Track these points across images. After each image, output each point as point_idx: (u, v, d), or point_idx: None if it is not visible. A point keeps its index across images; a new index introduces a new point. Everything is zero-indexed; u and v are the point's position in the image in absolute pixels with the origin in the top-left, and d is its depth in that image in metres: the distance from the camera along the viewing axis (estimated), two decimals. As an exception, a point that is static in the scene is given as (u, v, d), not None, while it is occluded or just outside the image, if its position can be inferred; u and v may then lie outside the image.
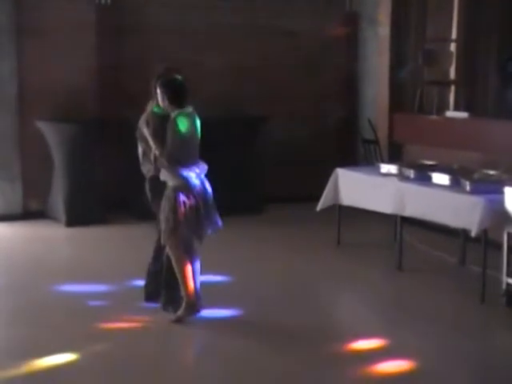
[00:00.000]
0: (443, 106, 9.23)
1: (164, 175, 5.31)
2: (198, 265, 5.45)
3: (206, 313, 5.44)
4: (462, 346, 5.12)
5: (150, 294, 5.70)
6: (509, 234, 5.70)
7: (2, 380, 4.52)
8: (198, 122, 5.39)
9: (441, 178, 6.38)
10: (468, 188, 6.02)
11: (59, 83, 8.70)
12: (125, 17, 9.01)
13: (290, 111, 9.75)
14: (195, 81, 9.22)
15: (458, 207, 6.03)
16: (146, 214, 8.61)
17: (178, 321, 5.30)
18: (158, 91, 5.36)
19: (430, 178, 6.48)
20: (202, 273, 5.53)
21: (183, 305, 5.33)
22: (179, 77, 5.40)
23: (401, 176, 6.82)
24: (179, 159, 5.23)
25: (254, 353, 4.93)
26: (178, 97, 5.27)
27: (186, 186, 5.25)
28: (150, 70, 8.97)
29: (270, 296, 6.04)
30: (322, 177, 7.60)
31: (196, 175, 5.30)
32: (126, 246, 7.69)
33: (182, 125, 5.22)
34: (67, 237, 8.21)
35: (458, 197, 6.05)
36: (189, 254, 5.37)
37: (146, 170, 5.55)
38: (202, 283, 5.52)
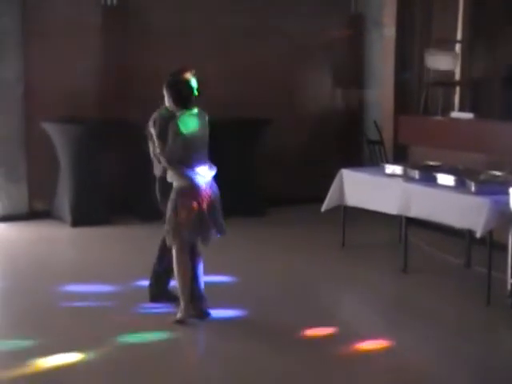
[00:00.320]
0: (448, 107, 9.22)
1: (170, 175, 5.32)
2: (201, 267, 5.45)
3: (209, 311, 5.45)
4: (468, 347, 5.11)
5: (155, 294, 5.72)
6: (514, 235, 5.69)
7: (7, 381, 4.53)
8: (206, 123, 5.38)
9: (446, 179, 6.38)
10: (473, 189, 6.02)
11: (65, 85, 8.72)
12: (130, 19, 9.02)
13: (295, 113, 9.75)
14: (198, 82, 9.30)
15: (463, 208, 6.02)
16: (150, 215, 8.66)
17: (180, 322, 5.31)
18: (164, 92, 5.38)
19: (435, 179, 6.48)
20: (205, 274, 5.53)
21: (181, 307, 5.34)
22: (188, 78, 5.35)
23: (406, 177, 6.81)
24: (183, 160, 5.22)
25: (255, 353, 4.93)
26: (182, 98, 5.28)
27: (190, 187, 5.24)
28: (155, 71, 9.09)
29: (273, 297, 6.04)
30: (326, 178, 7.60)
31: (202, 177, 5.28)
32: (130, 246, 7.70)
33: (184, 125, 5.22)
34: (72, 237, 8.22)
35: (463, 198, 6.05)
36: (192, 256, 5.37)
37: (157, 170, 5.56)
38: (206, 284, 5.53)
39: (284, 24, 9.68)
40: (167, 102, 5.39)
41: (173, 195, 5.28)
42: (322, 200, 7.53)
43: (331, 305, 5.99)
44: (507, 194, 5.68)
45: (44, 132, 8.54)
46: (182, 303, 5.33)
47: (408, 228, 6.84)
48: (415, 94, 9.46)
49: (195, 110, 5.32)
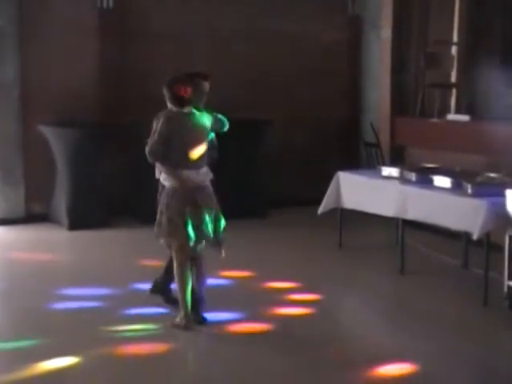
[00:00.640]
0: (445, 109, 9.24)
1: (163, 177, 5.32)
2: (202, 269, 5.44)
3: (210, 316, 5.45)
4: (465, 348, 5.12)
5: (156, 287, 5.76)
6: (511, 237, 5.70)
7: (7, 383, 4.53)
8: (206, 126, 5.35)
9: (443, 181, 6.38)
10: (470, 191, 6.02)
11: (62, 87, 8.72)
12: (128, 21, 9.03)
13: (292, 115, 9.76)
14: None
15: (459, 210, 6.03)
16: (148, 218, 8.67)
17: (177, 327, 5.31)
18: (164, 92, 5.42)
19: (431, 181, 6.49)
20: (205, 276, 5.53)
21: (182, 314, 5.34)
22: (187, 78, 5.38)
23: (402, 179, 6.82)
24: (178, 160, 5.19)
25: (256, 355, 4.93)
26: (176, 98, 5.27)
27: (177, 189, 5.21)
28: (153, 74, 9.10)
29: (272, 300, 6.04)
30: (323, 180, 7.61)
31: (194, 179, 5.23)
32: (128, 249, 7.69)
33: (171, 123, 5.21)
34: (70, 240, 8.22)
35: (459, 200, 6.05)
36: (193, 262, 5.36)
37: (158, 172, 5.58)
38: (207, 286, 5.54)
39: (283, 26, 9.69)
40: (167, 101, 5.40)
41: (162, 197, 5.29)
42: (319, 202, 7.53)
43: (330, 306, 5.99)
44: (504, 195, 5.69)
45: (41, 135, 8.54)
46: (182, 310, 5.32)
47: (405, 230, 6.85)
48: (412, 96, 9.48)
49: (188, 109, 5.29)
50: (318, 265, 7.15)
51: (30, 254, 7.52)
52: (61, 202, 8.54)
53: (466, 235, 6.70)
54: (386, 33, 9.60)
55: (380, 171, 7.17)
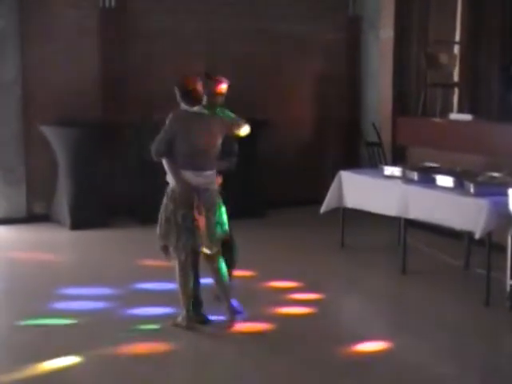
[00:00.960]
0: (447, 109, 9.23)
1: (169, 177, 5.28)
2: (215, 272, 5.39)
3: (209, 316, 5.44)
4: (466, 349, 5.11)
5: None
6: (513, 237, 5.70)
7: (9, 383, 4.52)
8: (212, 126, 5.20)
9: (445, 181, 6.38)
10: (472, 190, 6.02)
11: (63, 88, 8.72)
12: (128, 21, 9.02)
13: (292, 115, 9.76)
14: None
15: (462, 210, 6.02)
16: (149, 218, 8.66)
17: (177, 326, 5.30)
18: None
19: (433, 181, 6.48)
20: (202, 276, 5.52)
21: (183, 314, 5.32)
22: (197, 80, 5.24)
23: (404, 178, 6.82)
24: (176, 159, 5.13)
25: (257, 355, 4.93)
26: (185, 93, 5.16)
27: (176, 189, 5.16)
28: (153, 74, 9.10)
29: (274, 300, 6.03)
30: (325, 180, 7.62)
31: (194, 181, 5.13)
32: (129, 249, 7.69)
33: (176, 122, 5.15)
34: (71, 240, 8.22)
35: (462, 199, 6.05)
36: (195, 263, 5.33)
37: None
38: (204, 286, 5.53)
39: (282, 26, 9.69)
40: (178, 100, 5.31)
41: (164, 197, 5.26)
42: (321, 201, 7.54)
43: (332, 306, 5.98)
44: (506, 195, 5.68)
45: (42, 135, 8.54)
46: (183, 310, 5.32)
47: (407, 229, 6.84)
48: (414, 95, 9.47)
49: (193, 109, 5.17)
50: (320, 264, 7.14)
51: (32, 253, 7.51)
52: (62, 202, 8.54)
53: (468, 235, 6.69)
54: (386, 33, 9.59)
55: (382, 171, 7.16)
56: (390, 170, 7.06)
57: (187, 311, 5.30)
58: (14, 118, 8.63)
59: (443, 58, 9.35)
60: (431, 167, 7.05)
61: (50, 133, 8.52)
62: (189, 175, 5.13)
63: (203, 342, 5.14)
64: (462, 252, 6.97)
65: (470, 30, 9.50)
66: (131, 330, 5.34)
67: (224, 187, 5.44)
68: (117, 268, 6.93)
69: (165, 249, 5.34)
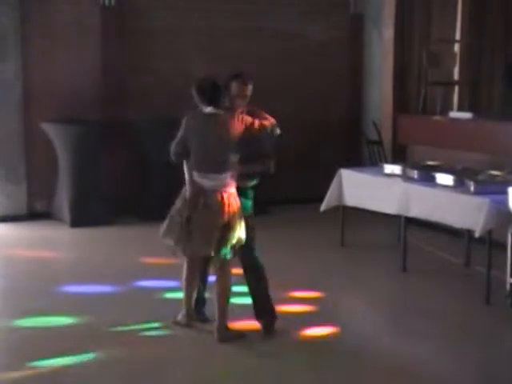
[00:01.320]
0: (447, 107, 9.24)
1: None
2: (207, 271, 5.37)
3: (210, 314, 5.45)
4: (467, 347, 5.12)
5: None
6: (513, 235, 5.70)
7: (8, 382, 4.53)
8: (225, 128, 4.97)
9: (445, 179, 6.38)
10: (472, 189, 6.02)
11: (64, 85, 8.73)
12: (129, 19, 9.02)
13: (293, 113, 9.75)
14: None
15: (462, 208, 6.02)
16: (150, 216, 8.68)
17: (177, 324, 5.31)
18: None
19: (434, 179, 6.48)
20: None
21: (183, 310, 5.32)
22: (208, 78, 5.13)
23: (405, 177, 6.82)
24: (195, 163, 5.04)
25: (255, 354, 4.94)
26: (198, 93, 5.05)
27: (184, 190, 5.10)
28: (154, 71, 9.10)
29: (274, 298, 6.02)
30: (325, 178, 7.60)
31: (203, 183, 5.01)
32: (130, 247, 7.70)
33: (188, 123, 5.09)
34: (72, 238, 8.23)
35: (462, 197, 6.05)
36: (197, 263, 5.30)
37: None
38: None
39: (283, 24, 9.69)
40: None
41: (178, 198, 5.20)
42: (321, 200, 7.54)
43: (332, 304, 5.98)
44: (506, 193, 5.68)
45: (43, 132, 8.54)
46: (183, 308, 5.32)
47: (407, 228, 6.85)
48: (414, 93, 9.47)
49: (204, 110, 5.04)
50: (320, 262, 7.15)
51: (33, 251, 7.52)
52: (63, 200, 8.55)
53: (469, 233, 6.70)
54: (388, 31, 9.58)
55: (382, 169, 7.16)
56: (390, 168, 7.07)
57: (187, 310, 5.30)
58: (15, 116, 8.63)
59: (444, 57, 9.35)
60: (431, 165, 7.05)
61: (51, 130, 8.52)
62: (197, 177, 5.03)
63: (202, 340, 5.14)
64: (462, 250, 6.98)
65: (470, 28, 9.50)
66: (132, 327, 5.34)
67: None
68: (117, 266, 6.93)
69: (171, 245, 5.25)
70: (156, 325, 5.39)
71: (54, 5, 8.70)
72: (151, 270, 6.78)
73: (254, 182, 5.27)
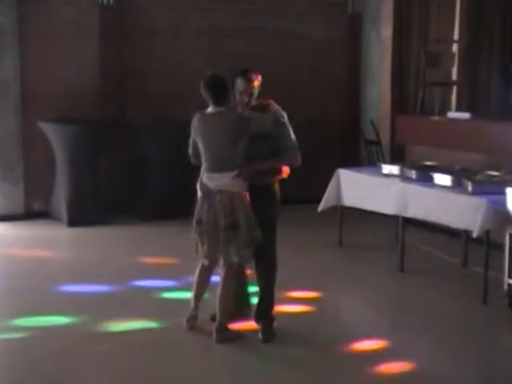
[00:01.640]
0: (445, 107, 9.24)
1: None
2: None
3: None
4: (464, 347, 5.12)
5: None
6: (511, 235, 5.69)
7: (7, 382, 4.53)
8: (230, 127, 4.94)
9: (443, 179, 6.38)
10: (470, 189, 6.02)
11: (62, 84, 8.73)
12: (127, 18, 9.02)
13: (291, 113, 9.69)
14: (196, 82, 9.28)
15: (460, 208, 6.02)
16: (147, 215, 8.69)
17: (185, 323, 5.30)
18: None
19: (432, 179, 6.48)
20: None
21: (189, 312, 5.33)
22: (214, 75, 5.09)
23: (403, 177, 6.82)
24: (202, 160, 5.05)
25: (255, 354, 4.94)
26: (204, 93, 5.02)
27: (200, 193, 5.08)
28: (153, 71, 9.10)
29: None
30: (323, 178, 7.60)
31: (208, 183, 5.01)
32: (128, 246, 7.69)
33: (193, 124, 5.09)
34: (69, 237, 8.22)
35: (460, 198, 6.05)
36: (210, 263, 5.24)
37: None
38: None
39: (282, 24, 9.70)
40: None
41: None
42: (319, 200, 7.53)
43: (330, 304, 5.98)
44: (504, 194, 5.68)
45: (41, 132, 8.53)
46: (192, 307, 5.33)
47: (405, 228, 6.84)
48: (412, 93, 9.47)
49: (210, 109, 5.01)
50: (318, 262, 7.14)
51: (30, 250, 7.51)
52: (60, 199, 8.54)
53: (466, 233, 6.70)
54: (387, 30, 9.59)
55: (380, 169, 7.16)
56: (388, 169, 7.07)
57: (191, 310, 5.27)
58: (13, 115, 8.63)
59: (442, 57, 9.36)
60: (429, 165, 7.05)
61: (48, 130, 8.52)
62: (205, 177, 5.04)
63: (201, 339, 5.13)
64: (459, 250, 6.97)
65: (469, 28, 9.51)
66: (129, 327, 5.34)
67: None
68: (115, 265, 6.92)
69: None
70: (153, 324, 5.39)
71: (53, 4, 8.70)
72: (148, 269, 6.77)
73: (279, 178, 5.22)
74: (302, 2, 9.85)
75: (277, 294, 5.82)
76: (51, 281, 6.43)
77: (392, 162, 8.15)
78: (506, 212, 5.65)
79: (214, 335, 5.05)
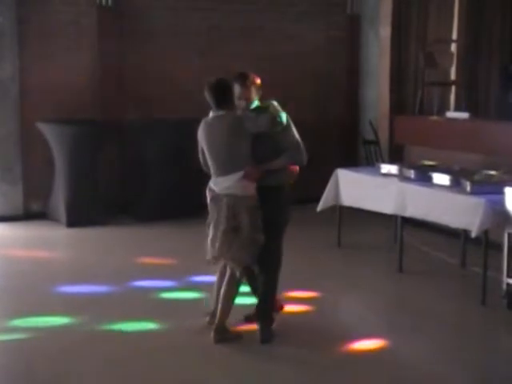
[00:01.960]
0: (444, 107, 9.24)
1: None
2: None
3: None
4: (463, 347, 5.11)
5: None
6: (509, 235, 5.69)
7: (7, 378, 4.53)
8: (232, 131, 4.96)
9: (441, 179, 6.38)
10: (469, 189, 6.02)
11: (60, 85, 8.72)
12: (126, 19, 9.02)
13: (290, 113, 9.71)
14: (195, 83, 9.27)
15: (458, 208, 6.02)
16: (146, 216, 8.69)
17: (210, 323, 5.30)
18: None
19: (430, 179, 6.49)
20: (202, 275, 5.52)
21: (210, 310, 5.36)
22: (216, 80, 5.09)
23: (401, 177, 6.82)
24: (208, 165, 5.11)
25: (253, 354, 4.93)
26: (208, 98, 5.05)
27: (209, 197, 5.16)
28: (151, 72, 9.10)
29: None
30: (322, 178, 7.60)
31: (214, 188, 5.05)
32: (126, 247, 7.69)
33: (198, 130, 5.12)
34: (68, 238, 8.21)
35: (458, 197, 6.05)
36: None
37: None
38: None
39: (281, 24, 9.69)
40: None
41: None
42: (317, 200, 7.53)
43: (329, 305, 5.98)
44: (503, 193, 5.68)
45: (39, 132, 8.53)
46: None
47: (403, 228, 6.84)
48: (411, 93, 9.47)
49: (213, 114, 5.04)
50: (316, 263, 7.14)
51: (29, 251, 7.51)
52: (59, 200, 8.54)
53: (465, 233, 6.70)
54: (385, 31, 9.59)
55: (379, 169, 7.16)
56: (386, 168, 7.07)
57: (213, 308, 5.28)
58: (12, 116, 8.62)
59: (441, 57, 9.35)
60: (428, 165, 7.05)
61: (47, 130, 8.51)
62: (211, 182, 5.10)
63: (200, 341, 5.13)
64: (458, 250, 6.97)
65: (467, 28, 9.50)
66: (129, 327, 5.34)
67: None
68: (114, 266, 6.92)
69: None
70: (152, 325, 5.39)
71: (51, 5, 8.69)
72: (147, 270, 6.77)
73: (290, 178, 5.23)
74: (300, 2, 9.84)
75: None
76: (50, 281, 6.43)
77: (391, 161, 8.15)
78: (505, 212, 5.65)
79: (213, 335, 5.05)
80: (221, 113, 5.00)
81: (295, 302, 5.94)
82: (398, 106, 9.45)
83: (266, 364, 4.79)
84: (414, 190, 6.50)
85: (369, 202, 7.05)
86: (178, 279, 6.44)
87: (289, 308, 5.74)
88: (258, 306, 5.24)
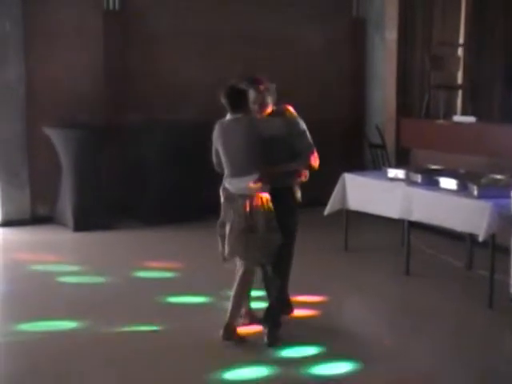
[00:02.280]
0: (450, 111, 9.23)
1: None
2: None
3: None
4: (470, 350, 5.11)
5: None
6: (516, 239, 5.68)
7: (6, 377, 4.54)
8: (245, 133, 5.03)
9: (448, 183, 6.38)
10: (475, 192, 6.01)
11: (67, 89, 8.74)
12: (131, 22, 9.04)
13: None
14: (197, 84, 9.29)
15: (465, 212, 6.02)
16: (152, 219, 8.69)
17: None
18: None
19: (437, 183, 6.48)
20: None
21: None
22: (231, 85, 5.13)
23: (408, 181, 6.82)
24: (224, 168, 5.16)
25: (259, 357, 4.93)
26: (224, 102, 5.11)
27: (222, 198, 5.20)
28: (157, 75, 9.11)
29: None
30: (329, 182, 7.59)
31: (228, 188, 5.10)
32: (133, 251, 7.70)
33: (214, 132, 5.18)
34: (75, 242, 8.22)
35: (465, 201, 6.04)
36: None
37: None
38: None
39: (286, 28, 9.70)
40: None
41: None
42: (324, 204, 7.53)
43: (336, 308, 5.98)
44: (509, 197, 5.68)
45: (46, 136, 8.55)
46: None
47: (410, 231, 6.84)
48: (417, 97, 9.47)
49: (228, 117, 5.12)
50: (323, 266, 7.14)
51: (36, 255, 7.52)
52: (66, 204, 8.55)
53: (471, 237, 6.69)
54: (391, 35, 9.59)
55: (386, 173, 7.16)
56: (393, 173, 7.07)
57: (245, 309, 5.37)
58: (18, 119, 8.64)
59: (447, 60, 9.35)
60: (435, 169, 7.05)
61: (53, 134, 8.53)
62: (226, 182, 5.15)
63: (204, 344, 5.13)
64: (464, 253, 6.97)
65: (473, 32, 9.50)
66: (133, 329, 5.35)
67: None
68: (120, 269, 6.92)
69: None
70: (157, 328, 5.39)
71: (57, 8, 8.71)
72: (153, 273, 6.78)
73: (299, 181, 5.32)
74: (305, 5, 9.85)
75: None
76: (57, 285, 6.44)
77: (397, 165, 8.15)
78: (512, 216, 5.65)
79: (222, 332, 5.09)
80: (237, 116, 5.09)
81: (302, 306, 5.93)
82: (404, 109, 9.45)
83: (271, 367, 4.79)
84: (421, 195, 6.49)
85: (376, 206, 7.05)
86: (183, 283, 6.44)
87: (296, 312, 5.75)
88: (267, 310, 5.25)
